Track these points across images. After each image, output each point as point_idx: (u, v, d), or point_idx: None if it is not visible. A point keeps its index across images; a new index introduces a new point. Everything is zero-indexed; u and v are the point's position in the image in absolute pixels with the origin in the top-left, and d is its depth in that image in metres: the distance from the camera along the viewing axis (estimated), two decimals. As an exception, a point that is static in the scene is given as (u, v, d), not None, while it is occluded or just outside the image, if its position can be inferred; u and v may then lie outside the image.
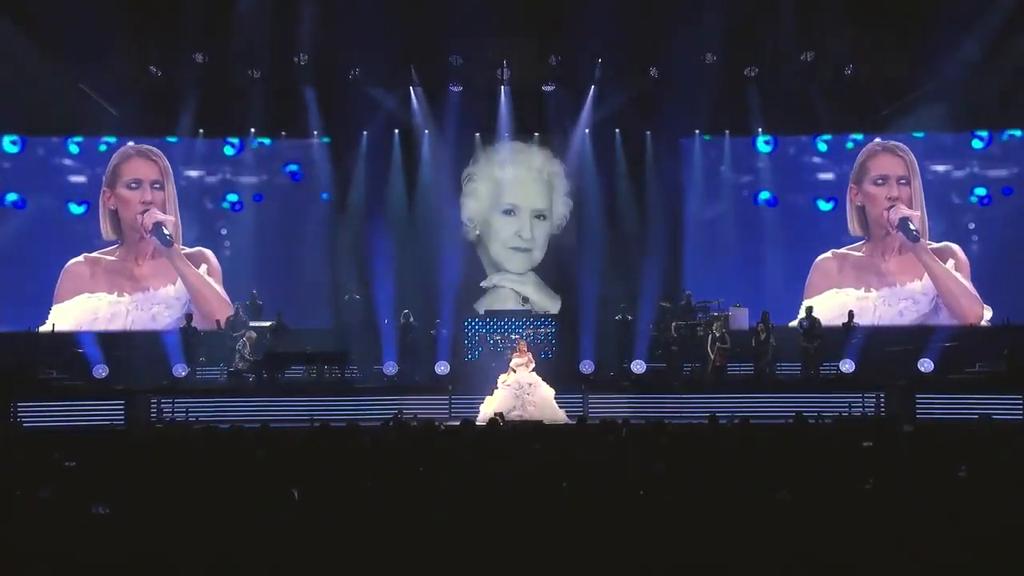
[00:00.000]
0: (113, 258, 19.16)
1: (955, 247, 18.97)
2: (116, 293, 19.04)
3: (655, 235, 18.89)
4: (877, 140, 19.35)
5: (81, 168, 19.40)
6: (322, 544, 5.39)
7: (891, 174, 19.29)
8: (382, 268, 18.40)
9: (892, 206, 19.09)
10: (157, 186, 19.30)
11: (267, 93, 18.74)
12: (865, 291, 19.06)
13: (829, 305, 18.39)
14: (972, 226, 19.19)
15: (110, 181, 19.25)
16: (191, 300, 19.06)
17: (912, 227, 18.94)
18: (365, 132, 19.32)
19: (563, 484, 6.47)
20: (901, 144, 19.28)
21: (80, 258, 19.08)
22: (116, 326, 18.74)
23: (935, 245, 19.10)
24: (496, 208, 19.55)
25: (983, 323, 18.60)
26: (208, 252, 19.36)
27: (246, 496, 6.18)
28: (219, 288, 19.11)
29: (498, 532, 5.36)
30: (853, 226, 19.34)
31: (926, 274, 18.98)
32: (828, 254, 19.30)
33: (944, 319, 18.73)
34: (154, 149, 19.39)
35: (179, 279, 19.16)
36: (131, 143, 19.38)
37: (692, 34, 17.65)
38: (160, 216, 19.14)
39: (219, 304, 18.94)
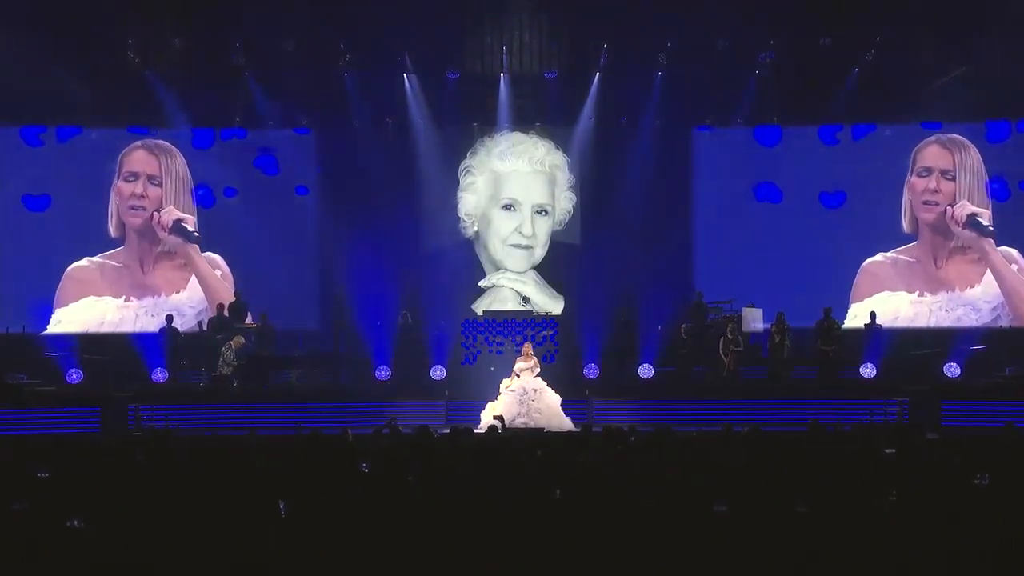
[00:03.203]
0: (118, 263, 19.18)
1: (1014, 252, 18.95)
2: (124, 298, 19.10)
3: (663, 231, 18.91)
4: (936, 134, 19.34)
5: (41, 160, 19.30)
6: (311, 558, 5.41)
7: (935, 166, 19.23)
8: (373, 266, 18.39)
9: (931, 201, 19.02)
10: (155, 182, 19.30)
11: (250, 81, 18.73)
12: (919, 295, 19.05)
13: (881, 309, 18.22)
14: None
15: (117, 175, 19.32)
16: (208, 305, 19.00)
17: (984, 222, 18.86)
18: (356, 122, 19.33)
19: (566, 494, 6.49)
20: (957, 137, 19.22)
21: (84, 261, 19.11)
22: (124, 330, 18.73)
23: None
24: (495, 203, 19.55)
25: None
26: (218, 258, 19.41)
27: (230, 509, 6.20)
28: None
29: (498, 544, 5.39)
30: (906, 224, 19.33)
31: (984, 280, 18.87)
32: (878, 256, 19.29)
33: (1004, 324, 18.69)
34: (162, 143, 19.38)
35: (189, 284, 19.19)
36: (90, 133, 19.31)
37: (703, 18, 17.67)
38: (178, 213, 19.21)
39: None
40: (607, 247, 18.84)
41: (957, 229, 19.00)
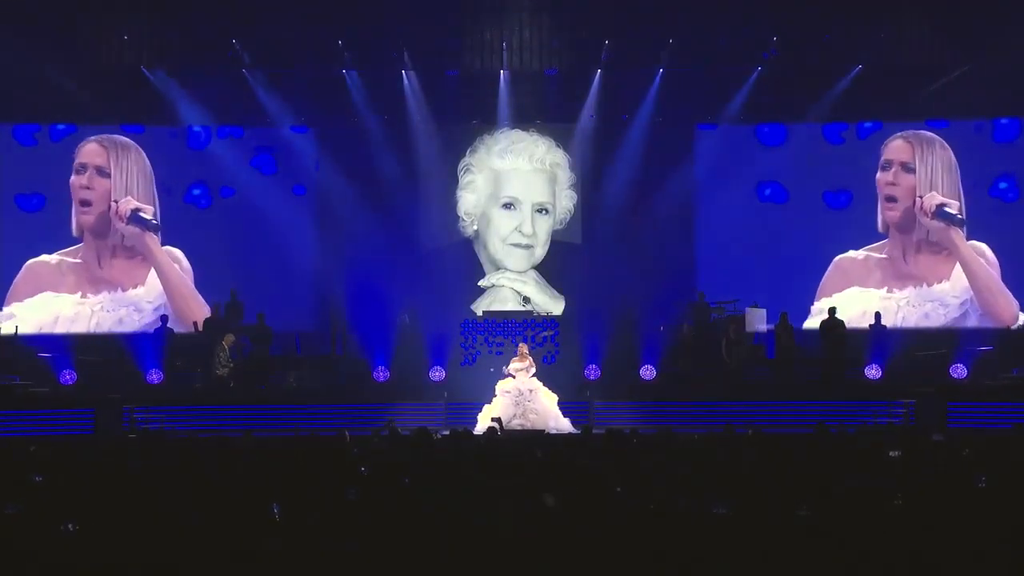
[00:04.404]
0: (76, 260, 19.05)
1: (983, 246, 18.88)
2: (80, 294, 18.98)
3: (666, 230, 18.88)
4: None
5: (35, 159, 19.21)
6: (308, 560, 5.40)
7: (895, 159, 19.18)
8: (371, 266, 18.38)
9: (890, 195, 18.95)
10: (102, 173, 19.14)
11: (248, 79, 18.71)
12: (888, 291, 19.01)
13: (851, 306, 18.25)
14: (993, 222, 19.00)
15: (73, 171, 19.21)
16: (167, 299, 18.98)
17: (952, 212, 18.78)
18: (355, 120, 19.30)
19: (567, 497, 6.48)
20: (925, 133, 19.17)
21: (42, 257, 18.98)
22: (79, 329, 18.67)
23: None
24: (495, 201, 19.54)
25: (1016, 326, 18.53)
26: (178, 252, 19.29)
27: (226, 511, 6.19)
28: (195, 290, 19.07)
29: (496, 546, 5.38)
30: (880, 221, 19.27)
31: (953, 275, 18.82)
32: (848, 253, 19.24)
33: (973, 323, 18.65)
34: (118, 138, 19.25)
35: (148, 279, 19.05)
36: (84, 132, 19.24)
37: (705, 15, 17.66)
38: (136, 203, 19.07)
39: (196, 305, 18.93)
40: (608, 246, 18.85)
41: (926, 220, 18.90)
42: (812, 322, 18.30)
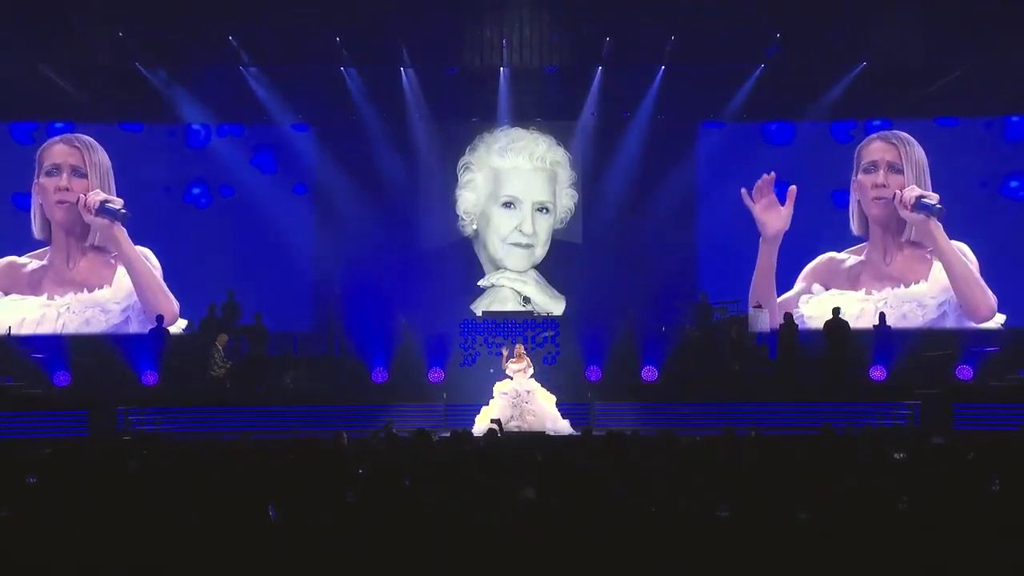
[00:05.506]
0: (43, 262, 18.95)
1: (963, 246, 18.81)
2: (46, 296, 18.84)
3: (667, 230, 18.86)
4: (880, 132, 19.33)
5: (33, 157, 19.11)
6: (306, 563, 5.42)
7: (880, 159, 19.12)
8: (371, 266, 18.40)
9: (880, 196, 18.91)
10: (78, 173, 19.03)
11: (247, 77, 18.72)
12: (866, 293, 18.99)
13: (826, 306, 18.14)
14: (1001, 221, 18.96)
15: (37, 173, 19.07)
16: (136, 293, 18.86)
17: (931, 202, 18.64)
18: (352, 118, 19.32)
19: (566, 500, 6.50)
20: (899, 132, 19.17)
21: (10, 258, 18.91)
22: (45, 331, 18.54)
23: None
24: (495, 200, 19.55)
25: (998, 325, 18.51)
26: (148, 251, 19.16)
27: (222, 514, 6.21)
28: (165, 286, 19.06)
29: (494, 548, 5.40)
30: (855, 225, 19.25)
31: (931, 276, 18.77)
32: (831, 253, 19.21)
33: (951, 324, 18.63)
34: (82, 136, 19.16)
35: (114, 280, 18.95)
36: (82, 130, 19.21)
37: (709, 11, 17.67)
38: (104, 195, 18.91)
39: (165, 300, 18.85)
40: (609, 246, 18.86)
41: (906, 213, 18.78)
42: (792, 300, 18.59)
